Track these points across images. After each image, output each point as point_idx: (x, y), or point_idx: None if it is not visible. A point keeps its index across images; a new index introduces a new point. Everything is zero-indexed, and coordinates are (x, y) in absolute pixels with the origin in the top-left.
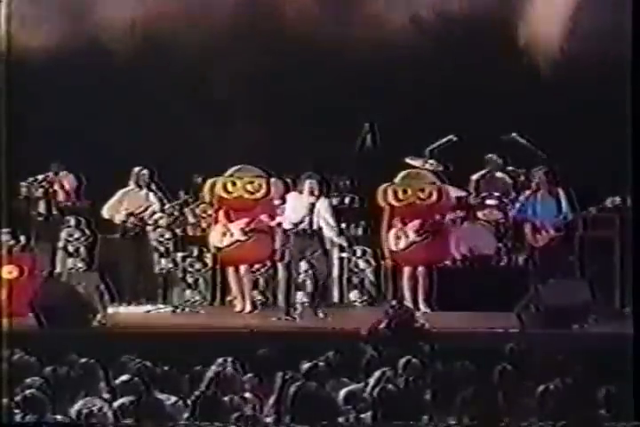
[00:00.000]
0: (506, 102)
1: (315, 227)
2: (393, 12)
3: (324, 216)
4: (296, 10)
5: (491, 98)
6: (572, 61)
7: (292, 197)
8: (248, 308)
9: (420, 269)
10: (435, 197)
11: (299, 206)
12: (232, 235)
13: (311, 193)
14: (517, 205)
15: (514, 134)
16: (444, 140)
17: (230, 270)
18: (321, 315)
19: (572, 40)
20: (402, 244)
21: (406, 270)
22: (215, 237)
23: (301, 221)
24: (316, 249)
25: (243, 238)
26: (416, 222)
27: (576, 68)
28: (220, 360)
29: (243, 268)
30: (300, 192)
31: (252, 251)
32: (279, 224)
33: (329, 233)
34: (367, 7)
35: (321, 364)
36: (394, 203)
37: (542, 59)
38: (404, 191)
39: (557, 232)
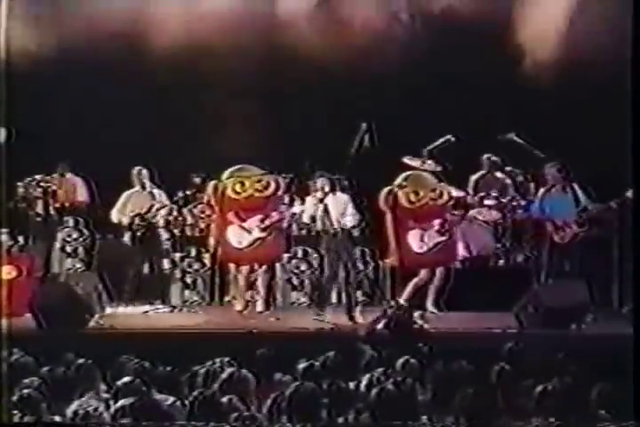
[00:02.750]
0: (504, 102)
1: (334, 226)
2: (391, 11)
3: (340, 210)
4: (293, 12)
5: (489, 97)
6: (572, 60)
7: (309, 200)
8: (260, 308)
9: (437, 270)
10: (445, 197)
11: (312, 206)
12: (250, 233)
13: (323, 192)
14: (535, 203)
15: (511, 134)
16: (442, 140)
17: (243, 269)
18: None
19: (571, 39)
20: (425, 246)
21: (422, 272)
22: (233, 239)
23: (314, 221)
24: (342, 249)
25: (263, 235)
26: (436, 223)
27: (575, 66)
28: (217, 361)
29: (263, 267)
30: (315, 192)
31: (271, 248)
32: (292, 216)
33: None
34: (365, 7)
35: (317, 364)
36: (406, 205)
37: (541, 58)
38: (416, 193)
39: (580, 228)
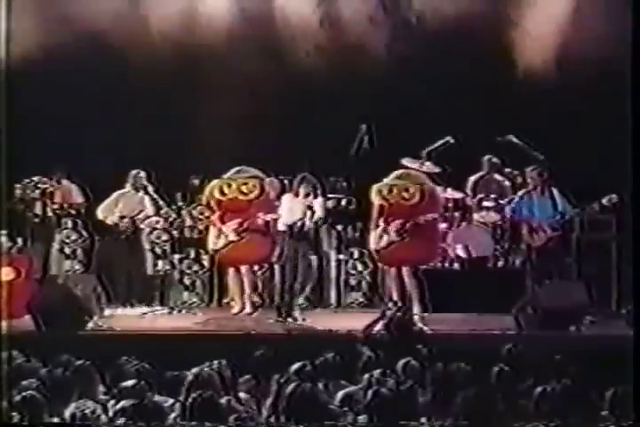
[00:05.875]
0: (503, 103)
1: (310, 229)
2: (391, 12)
3: (317, 214)
4: (294, 12)
5: (488, 99)
6: (571, 61)
7: (287, 198)
8: (248, 309)
9: (403, 270)
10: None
11: (294, 209)
12: (226, 236)
13: (306, 197)
14: (512, 205)
15: (510, 136)
16: (441, 142)
17: (230, 271)
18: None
19: (570, 40)
20: (381, 243)
21: (404, 271)
22: (211, 240)
23: (296, 224)
24: (309, 251)
25: (235, 239)
26: (397, 222)
27: (574, 67)
28: (215, 362)
29: (243, 268)
30: (296, 195)
31: (247, 251)
32: (274, 221)
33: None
34: (364, 8)
35: (308, 365)
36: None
37: (539, 59)
38: (390, 191)
39: (555, 231)
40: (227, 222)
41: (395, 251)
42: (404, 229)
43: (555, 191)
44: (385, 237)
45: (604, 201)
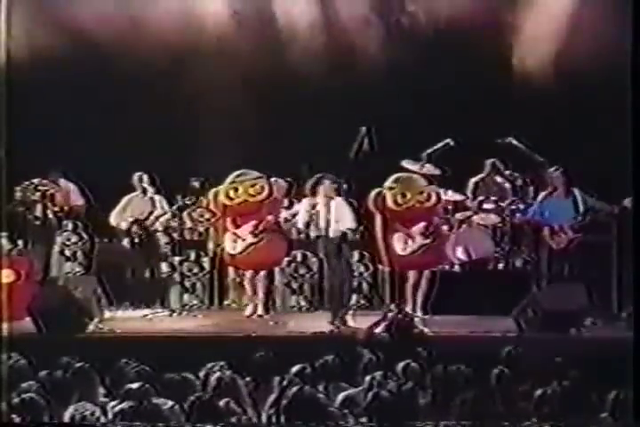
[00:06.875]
0: (503, 105)
1: (333, 229)
2: (390, 14)
3: (340, 214)
4: (294, 13)
5: (488, 101)
6: (572, 63)
7: (306, 201)
8: (260, 311)
9: (424, 273)
10: (433, 200)
11: (314, 210)
12: (244, 240)
13: (326, 195)
14: (534, 207)
15: (510, 138)
16: (441, 144)
17: (248, 274)
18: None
19: (571, 41)
20: (408, 248)
21: (410, 275)
22: (227, 245)
23: (317, 224)
24: (337, 252)
25: (254, 241)
26: (421, 226)
27: (575, 69)
28: (215, 365)
29: (261, 273)
30: (314, 195)
31: (267, 253)
32: (286, 221)
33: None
34: (365, 11)
35: (309, 368)
36: (393, 207)
37: (539, 60)
38: (403, 195)
39: (576, 233)
40: (241, 226)
41: (423, 255)
42: (430, 232)
43: (576, 192)
44: (410, 242)
45: (626, 202)
